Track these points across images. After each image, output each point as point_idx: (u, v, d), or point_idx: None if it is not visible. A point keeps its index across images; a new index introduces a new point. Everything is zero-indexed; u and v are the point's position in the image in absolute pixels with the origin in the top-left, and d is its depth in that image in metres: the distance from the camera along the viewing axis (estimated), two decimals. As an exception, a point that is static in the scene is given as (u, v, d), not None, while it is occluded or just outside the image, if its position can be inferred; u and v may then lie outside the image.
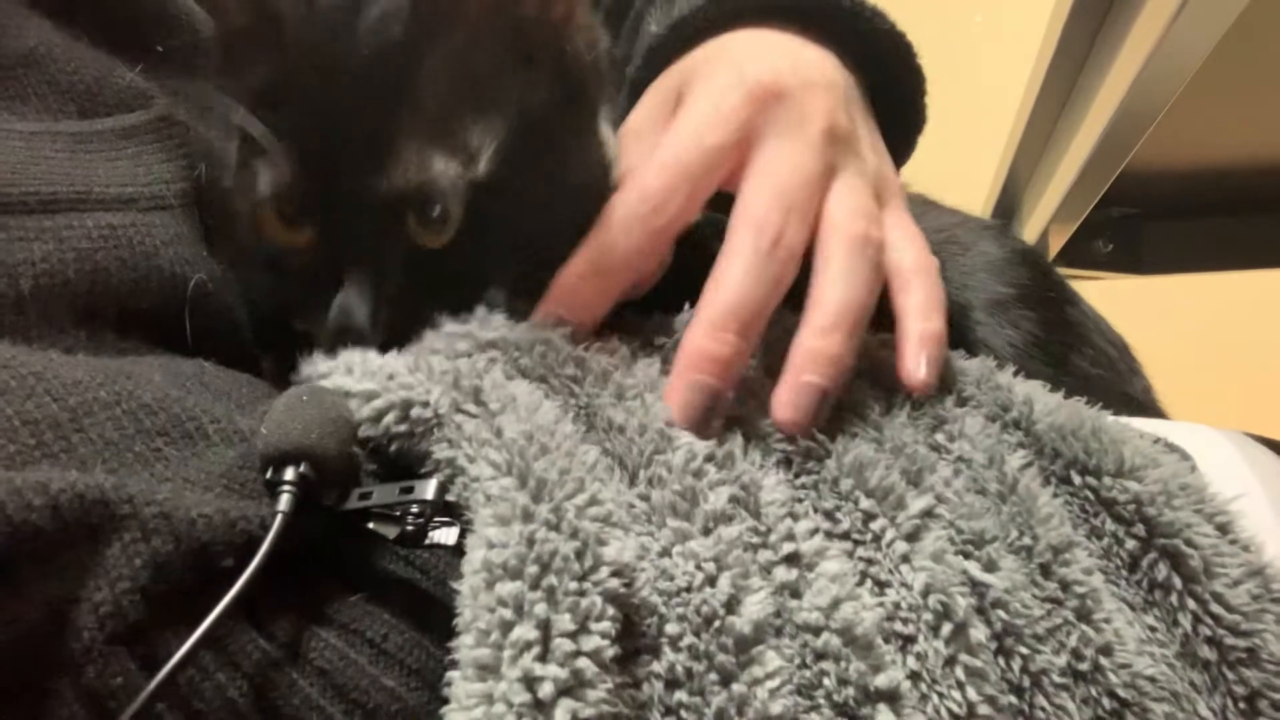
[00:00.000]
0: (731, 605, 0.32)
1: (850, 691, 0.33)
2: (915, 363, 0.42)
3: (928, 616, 0.35)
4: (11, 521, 0.26)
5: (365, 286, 0.42)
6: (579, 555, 0.30)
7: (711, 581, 0.33)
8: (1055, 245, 1.04)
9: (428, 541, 0.34)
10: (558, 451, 0.33)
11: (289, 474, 0.32)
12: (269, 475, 0.32)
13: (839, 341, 0.40)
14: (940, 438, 0.41)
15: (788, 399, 0.39)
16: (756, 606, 0.32)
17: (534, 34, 0.46)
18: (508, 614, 0.29)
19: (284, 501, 0.31)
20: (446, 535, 0.34)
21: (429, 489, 0.33)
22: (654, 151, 0.44)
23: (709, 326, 0.39)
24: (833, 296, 0.41)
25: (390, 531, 0.34)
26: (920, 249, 0.46)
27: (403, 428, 0.35)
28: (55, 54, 0.43)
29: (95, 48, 0.45)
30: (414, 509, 0.33)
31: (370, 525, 0.34)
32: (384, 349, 0.40)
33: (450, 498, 0.34)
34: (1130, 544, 0.38)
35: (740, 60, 0.46)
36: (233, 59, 0.48)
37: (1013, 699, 0.34)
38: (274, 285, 0.45)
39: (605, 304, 0.42)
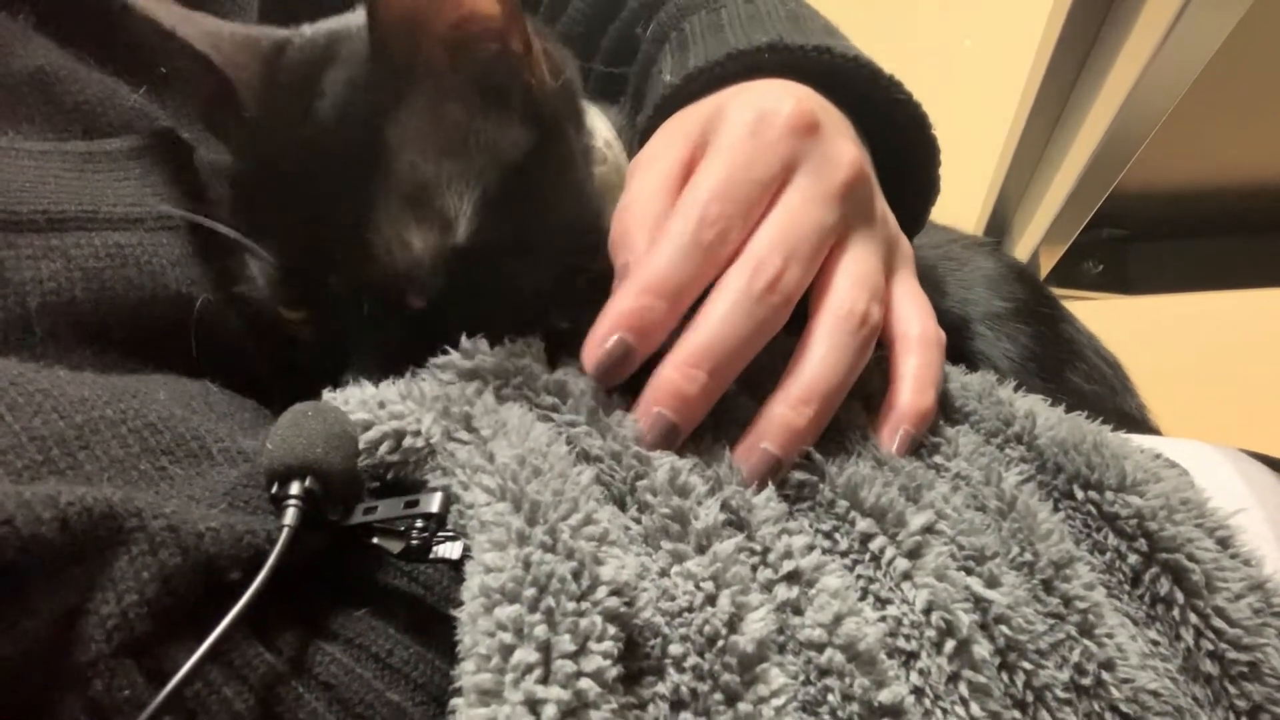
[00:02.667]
0: (733, 624, 0.32)
1: (855, 708, 0.33)
2: (891, 437, 0.42)
3: (930, 634, 0.35)
4: (20, 534, 0.26)
5: (368, 359, 0.43)
6: (576, 575, 0.30)
7: (711, 600, 0.33)
8: (1045, 266, 1.04)
9: (432, 556, 0.34)
10: (551, 473, 0.33)
11: (294, 488, 0.32)
12: (274, 490, 0.32)
13: (807, 416, 0.39)
14: (938, 459, 0.41)
15: (740, 460, 0.39)
16: (759, 624, 0.32)
17: (497, 73, 0.46)
18: (508, 637, 0.29)
19: (290, 515, 0.31)
20: (451, 550, 0.34)
21: (433, 503, 0.33)
22: (698, 176, 0.42)
23: (682, 362, 0.38)
24: (812, 371, 0.40)
25: (395, 546, 0.34)
26: (928, 319, 0.45)
27: (396, 457, 0.35)
28: (60, 75, 0.43)
29: (99, 70, 0.46)
30: (418, 523, 0.33)
31: (375, 540, 0.34)
32: None
33: (449, 527, 0.34)
34: (1132, 559, 0.38)
35: (775, 94, 0.45)
36: (212, 125, 0.48)
37: (1016, 714, 0.34)
38: (294, 355, 0.46)
39: (668, 330, 0.40)
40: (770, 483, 0.38)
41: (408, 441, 0.35)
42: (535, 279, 0.45)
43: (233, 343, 0.43)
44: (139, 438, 0.32)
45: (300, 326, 0.45)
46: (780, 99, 0.44)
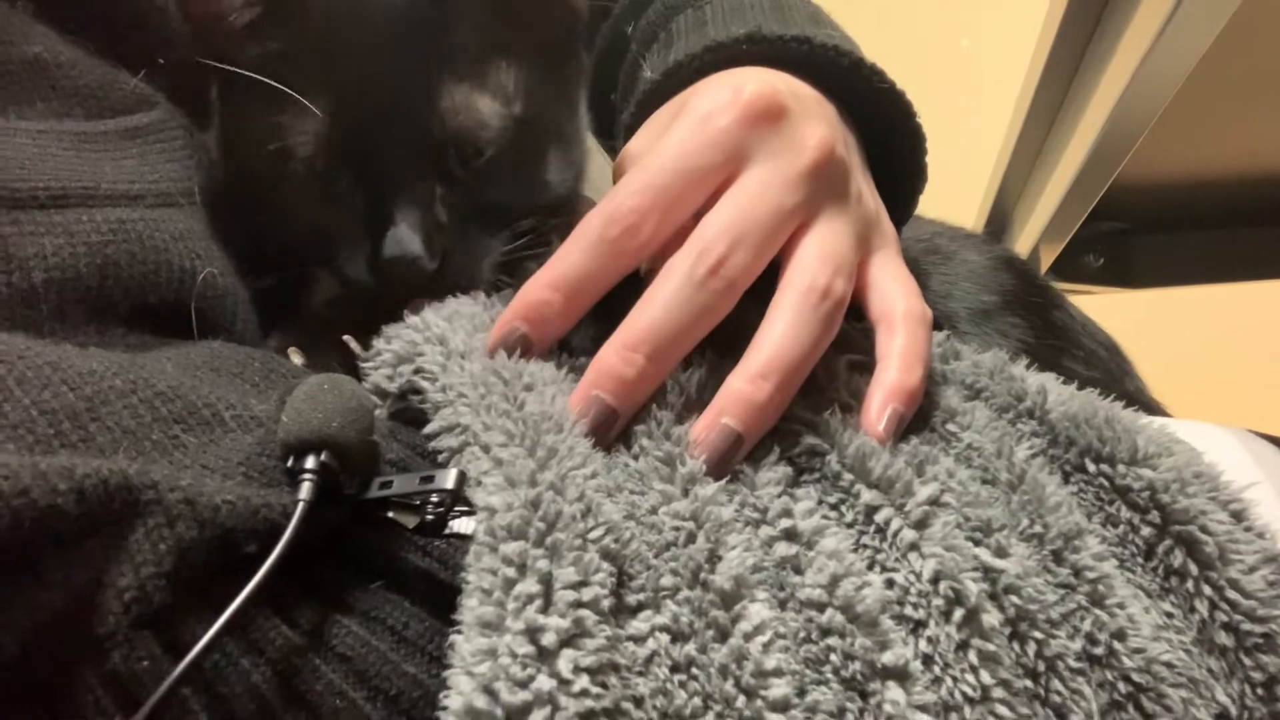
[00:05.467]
0: (712, 561, 0.33)
1: (857, 666, 0.33)
2: (878, 416, 0.41)
3: (938, 602, 0.35)
4: (36, 506, 0.26)
5: (415, 219, 0.47)
6: (584, 515, 0.32)
7: (692, 538, 0.34)
8: (1046, 261, 1.05)
9: (447, 531, 0.34)
10: (568, 432, 0.35)
11: (310, 462, 0.32)
12: (290, 463, 0.32)
13: (766, 390, 0.39)
14: (953, 426, 0.41)
15: (700, 436, 0.38)
16: (735, 561, 0.33)
17: None
18: (511, 572, 0.30)
19: (305, 490, 0.31)
20: (466, 525, 0.34)
21: (449, 479, 0.33)
22: (629, 172, 0.42)
23: (621, 346, 0.38)
24: (772, 344, 0.40)
25: (410, 521, 0.34)
26: (912, 296, 0.45)
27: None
28: (60, 60, 0.44)
29: (97, 57, 0.46)
30: (434, 499, 0.34)
31: (390, 514, 0.34)
32: (437, 274, 0.47)
33: (464, 464, 0.35)
34: (1145, 531, 0.38)
35: (738, 80, 0.44)
36: (231, 44, 0.50)
37: (1028, 683, 0.34)
38: (307, 233, 0.50)
39: (568, 322, 0.41)
40: (777, 448, 0.39)
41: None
42: (553, 173, 0.51)
43: (231, 313, 0.42)
44: (150, 407, 0.32)
45: (329, 201, 0.49)
46: (741, 86, 0.43)
